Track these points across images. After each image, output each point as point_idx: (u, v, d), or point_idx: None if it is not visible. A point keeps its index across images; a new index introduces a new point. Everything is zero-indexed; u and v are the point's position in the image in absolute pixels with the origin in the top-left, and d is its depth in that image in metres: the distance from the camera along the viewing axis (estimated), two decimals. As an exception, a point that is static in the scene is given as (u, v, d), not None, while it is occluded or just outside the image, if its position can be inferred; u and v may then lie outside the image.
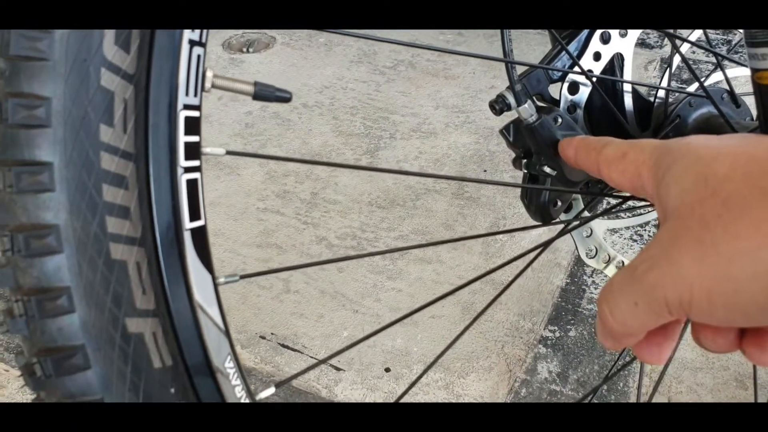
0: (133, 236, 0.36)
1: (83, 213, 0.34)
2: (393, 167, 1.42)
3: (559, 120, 0.52)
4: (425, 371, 0.61)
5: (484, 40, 1.86)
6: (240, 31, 1.85)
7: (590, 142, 0.40)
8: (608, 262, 0.62)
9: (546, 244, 0.57)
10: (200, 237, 0.39)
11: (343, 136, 1.53)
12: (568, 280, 1.14)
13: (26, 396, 1.01)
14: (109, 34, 0.33)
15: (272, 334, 1.08)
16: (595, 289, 1.13)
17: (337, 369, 1.03)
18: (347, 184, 1.38)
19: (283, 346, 1.06)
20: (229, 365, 0.41)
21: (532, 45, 1.79)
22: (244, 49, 1.85)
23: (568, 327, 1.07)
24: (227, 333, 0.42)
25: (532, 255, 0.60)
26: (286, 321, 1.10)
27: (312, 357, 1.04)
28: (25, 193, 0.33)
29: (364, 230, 1.27)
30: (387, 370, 1.03)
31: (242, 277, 0.44)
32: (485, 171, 1.39)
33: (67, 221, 0.34)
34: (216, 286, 0.41)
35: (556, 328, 1.07)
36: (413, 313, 0.57)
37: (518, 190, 0.62)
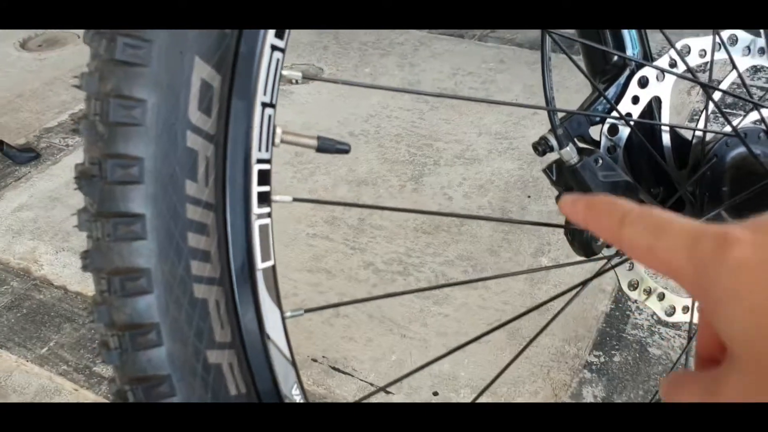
0: (213, 277, 0.40)
1: (171, 258, 0.39)
2: (437, 193, 1.46)
3: (600, 161, 0.55)
4: (477, 397, 0.64)
5: (526, 67, 1.89)
6: (288, 63, 1.92)
7: (603, 209, 0.33)
8: (649, 293, 0.64)
9: (586, 282, 0.60)
10: (271, 275, 0.44)
11: (388, 163, 1.57)
12: (612, 306, 1.16)
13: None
14: (194, 101, 0.38)
15: (323, 357, 1.12)
16: (639, 314, 1.14)
17: (387, 392, 1.06)
18: (393, 210, 1.42)
19: (334, 368, 1.10)
20: (295, 392, 0.45)
21: (574, 71, 1.81)
22: (293, 81, 1.91)
23: (613, 352, 1.09)
24: (293, 363, 0.46)
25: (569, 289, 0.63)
26: (336, 344, 1.14)
27: (362, 380, 1.08)
28: (120, 241, 0.38)
29: (409, 255, 1.30)
30: (435, 393, 1.06)
31: (307, 311, 0.48)
32: (529, 197, 1.42)
33: (157, 265, 0.39)
34: (284, 319, 0.45)
35: (600, 353, 1.09)
36: (469, 344, 0.60)
37: (562, 216, 0.64)
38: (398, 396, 1.05)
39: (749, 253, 0.26)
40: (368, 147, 1.62)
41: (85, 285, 1.29)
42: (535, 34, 2.01)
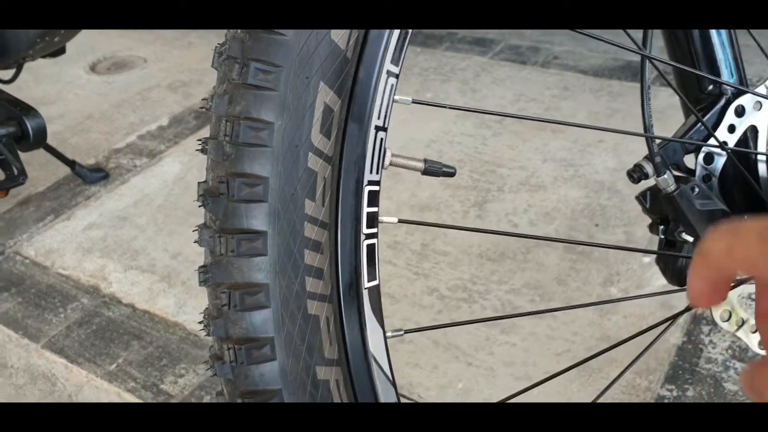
0: (324, 294, 0.41)
1: (288, 274, 0.40)
2: (502, 220, 1.46)
3: (696, 189, 0.55)
4: None
5: (591, 94, 1.88)
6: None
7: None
8: (741, 325, 0.63)
9: (676, 316, 0.59)
10: (375, 295, 0.44)
11: (450, 188, 1.57)
12: (684, 339, 1.14)
13: (162, 430, 1.08)
14: (317, 125, 0.39)
15: (388, 381, 1.12)
16: (713, 348, 1.11)
17: (452, 418, 1.05)
18: (456, 236, 1.42)
19: (401, 395, 1.10)
20: (396, 412, 0.45)
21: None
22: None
23: (686, 386, 1.06)
24: (393, 382, 0.46)
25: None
26: (401, 370, 1.14)
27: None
28: (242, 257, 0.39)
29: (474, 282, 1.30)
30: (501, 422, 1.04)
31: (407, 331, 0.49)
32: (597, 225, 1.40)
33: (275, 281, 0.40)
34: (386, 338, 0.46)
35: (673, 387, 1.06)
36: (544, 382, 0.60)
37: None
38: (464, 423, 1.04)
39: None
40: (430, 173, 1.63)
41: (153, 303, 1.32)
42: (597, 61, 2.00)
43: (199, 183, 0.41)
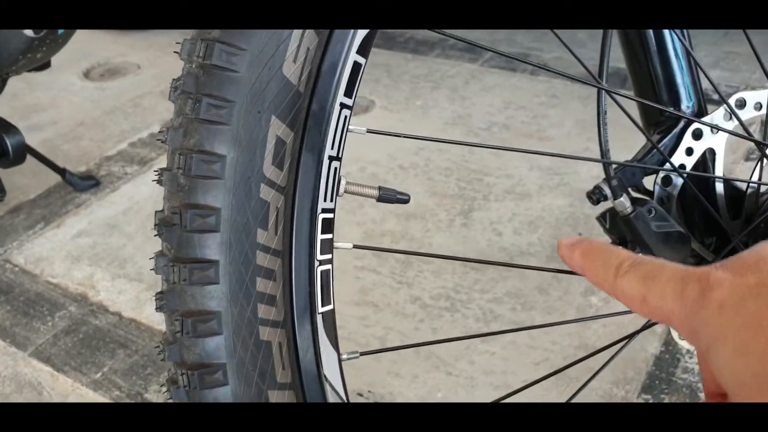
0: (277, 320, 0.43)
1: (240, 301, 0.41)
2: (486, 228, 1.47)
3: (653, 212, 0.56)
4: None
5: (579, 102, 1.89)
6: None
7: (598, 259, 0.34)
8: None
9: (633, 335, 0.60)
10: (329, 319, 0.46)
11: (437, 197, 1.59)
12: (662, 349, 1.15)
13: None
14: (269, 157, 0.40)
15: (369, 392, 1.13)
16: (690, 358, 1.13)
17: (432, 428, 1.06)
18: (441, 244, 1.43)
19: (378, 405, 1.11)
20: (350, 433, 0.47)
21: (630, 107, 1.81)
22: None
23: (662, 396, 1.07)
24: (348, 404, 0.47)
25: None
26: (382, 380, 1.15)
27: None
28: (195, 285, 0.41)
29: (457, 291, 1.31)
30: (480, 431, 1.06)
31: (362, 354, 0.50)
32: (580, 234, 1.42)
33: (227, 308, 0.41)
34: (340, 361, 0.47)
35: (649, 396, 1.07)
36: (521, 390, 0.61)
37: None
38: (444, 432, 1.06)
39: (727, 294, 0.27)
40: (417, 180, 1.64)
41: (139, 312, 1.34)
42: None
43: (156, 212, 0.43)
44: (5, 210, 1.64)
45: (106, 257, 1.48)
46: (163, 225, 0.41)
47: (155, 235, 0.42)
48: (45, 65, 1.40)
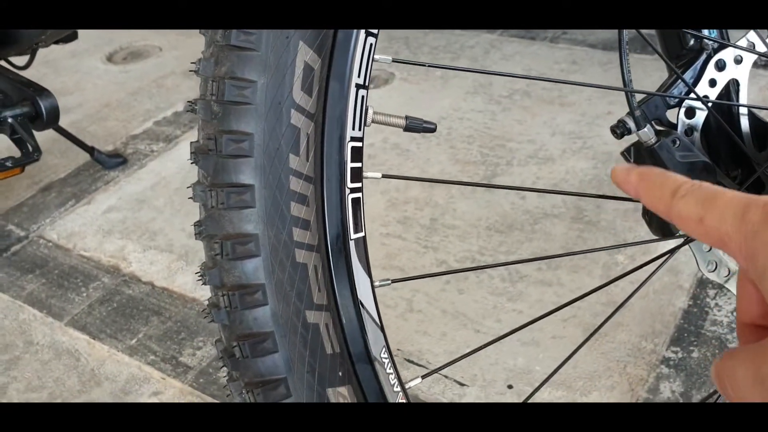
0: (312, 243, 0.44)
1: (276, 224, 0.42)
2: (510, 193, 1.47)
3: (678, 142, 0.56)
4: (543, 383, 0.66)
5: (599, 68, 1.88)
6: (361, 68, 1.97)
7: (655, 181, 0.34)
8: (729, 276, 0.65)
9: (669, 253, 0.61)
10: (362, 246, 0.47)
11: (460, 164, 1.59)
12: (690, 302, 1.15)
13: (184, 399, 1.12)
14: (297, 82, 0.42)
15: (398, 349, 1.15)
16: (718, 311, 1.13)
17: (461, 384, 1.08)
18: (465, 210, 1.44)
19: (409, 361, 1.13)
20: (384, 356, 0.48)
21: (648, 71, 1.80)
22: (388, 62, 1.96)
23: (691, 348, 1.08)
24: (382, 328, 0.49)
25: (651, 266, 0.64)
26: (410, 338, 1.17)
27: (438, 372, 1.10)
28: (232, 209, 0.42)
29: (482, 254, 1.32)
30: (510, 386, 1.07)
31: (394, 281, 0.51)
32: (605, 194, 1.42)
33: (264, 231, 0.42)
34: (373, 287, 0.48)
35: (678, 349, 1.08)
36: (526, 325, 0.62)
37: (638, 214, 0.65)
38: (473, 388, 1.07)
39: None
40: (440, 148, 1.65)
41: (171, 281, 1.36)
42: (606, 35, 2.00)
43: (191, 143, 0.44)
44: (37, 189, 1.68)
45: (136, 230, 1.51)
46: (199, 153, 0.42)
47: (191, 163, 0.44)
48: (72, 36, 1.43)
